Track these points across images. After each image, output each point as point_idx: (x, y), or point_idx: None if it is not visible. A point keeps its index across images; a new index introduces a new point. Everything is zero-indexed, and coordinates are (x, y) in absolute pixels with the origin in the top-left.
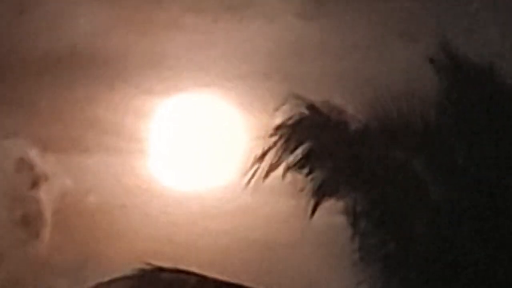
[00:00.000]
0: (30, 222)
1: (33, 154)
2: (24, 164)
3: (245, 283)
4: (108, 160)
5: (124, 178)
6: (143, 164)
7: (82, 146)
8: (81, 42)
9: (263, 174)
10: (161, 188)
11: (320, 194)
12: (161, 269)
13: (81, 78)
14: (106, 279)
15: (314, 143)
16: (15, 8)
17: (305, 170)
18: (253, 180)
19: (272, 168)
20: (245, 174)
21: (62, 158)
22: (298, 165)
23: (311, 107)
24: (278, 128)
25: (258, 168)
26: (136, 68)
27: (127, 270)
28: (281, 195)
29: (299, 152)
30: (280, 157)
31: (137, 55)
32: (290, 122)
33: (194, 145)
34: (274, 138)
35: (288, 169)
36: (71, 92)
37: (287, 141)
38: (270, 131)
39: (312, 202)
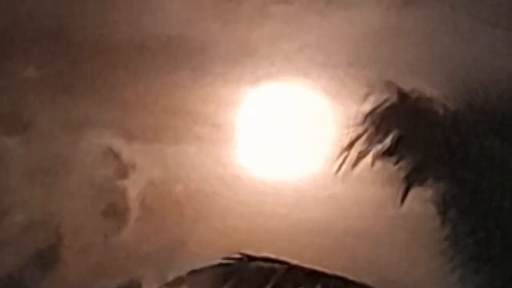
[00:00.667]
0: (116, 212)
1: (120, 144)
2: (110, 155)
3: (335, 272)
4: (196, 149)
5: (212, 167)
6: (231, 153)
7: (169, 135)
8: (168, 32)
9: (352, 163)
10: (249, 177)
11: (409, 182)
12: (250, 258)
13: (168, 67)
14: (195, 268)
15: (403, 131)
16: None
17: (394, 158)
18: (342, 169)
19: (360, 156)
20: (334, 163)
21: (149, 148)
22: (387, 153)
23: (400, 94)
24: (366, 116)
25: (346, 156)
26: (223, 57)
27: (216, 259)
28: (370, 184)
29: (388, 140)
30: (368, 146)
31: (224, 44)
32: (379, 110)
33: (282, 134)
34: (362, 127)
35: (377, 157)
36: (158, 81)
37: (375, 129)
38: (359, 119)
39: (401, 191)
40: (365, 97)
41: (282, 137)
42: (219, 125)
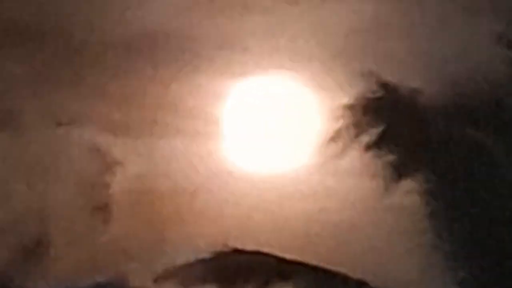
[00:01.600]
0: (103, 207)
1: (107, 140)
2: (97, 150)
3: (323, 264)
4: (183, 143)
5: (199, 161)
6: (218, 147)
7: (156, 130)
8: (155, 26)
9: (337, 155)
10: (236, 171)
11: (395, 174)
12: (239, 251)
13: (155, 61)
14: (184, 262)
15: (388, 123)
16: None
17: (380, 151)
18: (327, 161)
19: (346, 148)
20: (319, 155)
21: (136, 142)
22: (372, 146)
23: (386, 86)
24: (352, 108)
25: (332, 149)
26: (211, 50)
27: (204, 253)
28: (356, 176)
29: (373, 132)
30: (354, 138)
31: (212, 37)
32: (364, 102)
33: (269, 127)
34: (348, 119)
35: (362, 149)
36: (145, 76)
37: (361, 121)
38: (345, 111)
39: (387, 182)
40: (351, 89)
41: (269, 130)
42: (206, 119)
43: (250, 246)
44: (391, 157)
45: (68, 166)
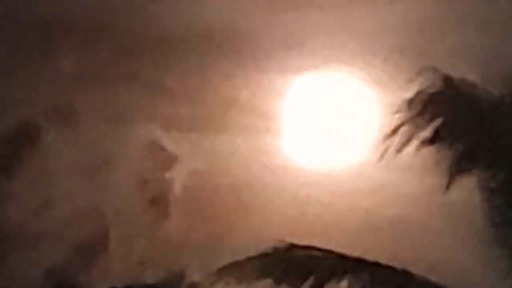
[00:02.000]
0: (161, 204)
1: (164, 136)
2: (155, 146)
3: (380, 260)
4: (241, 139)
5: (257, 157)
6: (276, 143)
7: (215, 126)
8: (216, 21)
9: (395, 151)
10: (294, 167)
11: (454, 170)
12: (295, 246)
13: (213, 57)
14: (241, 257)
15: (447, 117)
16: None
17: (439, 146)
18: (386, 156)
19: (404, 144)
20: (377, 150)
21: (194, 138)
22: (431, 141)
23: (444, 81)
24: (410, 103)
25: (390, 144)
26: (270, 47)
27: (261, 249)
28: (415, 172)
29: (432, 127)
30: (413, 133)
31: (271, 34)
32: (422, 96)
33: (327, 122)
34: (406, 113)
35: (421, 144)
36: (204, 72)
37: (419, 115)
38: (403, 106)
39: (446, 178)
40: (409, 84)
41: (327, 126)
42: (265, 115)
43: (307, 242)
44: (450, 153)
45: (126, 163)
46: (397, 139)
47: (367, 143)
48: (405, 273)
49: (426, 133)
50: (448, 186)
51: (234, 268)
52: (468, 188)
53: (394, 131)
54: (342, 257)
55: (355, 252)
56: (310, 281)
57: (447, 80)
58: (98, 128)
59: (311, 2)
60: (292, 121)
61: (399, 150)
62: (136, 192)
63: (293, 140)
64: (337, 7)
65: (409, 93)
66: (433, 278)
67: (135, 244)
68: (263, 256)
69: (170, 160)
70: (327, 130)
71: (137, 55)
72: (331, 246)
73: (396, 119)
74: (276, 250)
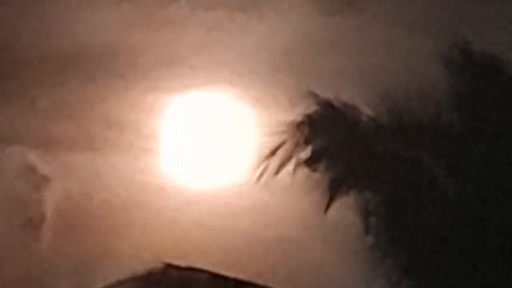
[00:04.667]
0: (33, 225)
1: (38, 156)
2: (28, 166)
3: (258, 281)
4: (119, 158)
5: (135, 177)
6: (154, 162)
7: (92, 145)
8: (94, 39)
9: (274, 171)
10: (173, 187)
11: (332, 191)
12: (172, 267)
13: (92, 75)
14: (118, 279)
15: (326, 139)
16: (25, 5)
17: (317, 167)
18: (264, 177)
19: (283, 165)
20: (256, 171)
21: (69, 158)
22: (310, 162)
23: (324, 103)
24: (290, 124)
25: (268, 164)
26: (149, 65)
27: (137, 269)
28: (293, 192)
29: (310, 148)
30: (291, 154)
31: (150, 52)
32: (302, 118)
33: (207, 143)
34: (285, 135)
35: (299, 166)
36: (81, 90)
37: (298, 137)
38: (282, 127)
39: (325, 199)
40: (290, 105)
41: (207, 146)
42: (143, 134)
43: (186, 263)
44: (328, 174)
45: None
46: (276, 160)
47: (246, 163)
48: None
49: (304, 154)
50: (327, 207)
51: None
52: (347, 210)
53: (273, 152)
54: (219, 277)
55: (233, 273)
56: None
57: (326, 103)
58: None
59: (189, 20)
60: (172, 141)
61: (278, 171)
62: (8, 213)
63: (173, 160)
64: (218, 25)
65: (290, 115)
66: None
67: (6, 266)
68: (141, 277)
69: (43, 181)
70: (207, 150)
71: (18, 75)
72: (209, 267)
73: (275, 140)
74: (150, 272)
